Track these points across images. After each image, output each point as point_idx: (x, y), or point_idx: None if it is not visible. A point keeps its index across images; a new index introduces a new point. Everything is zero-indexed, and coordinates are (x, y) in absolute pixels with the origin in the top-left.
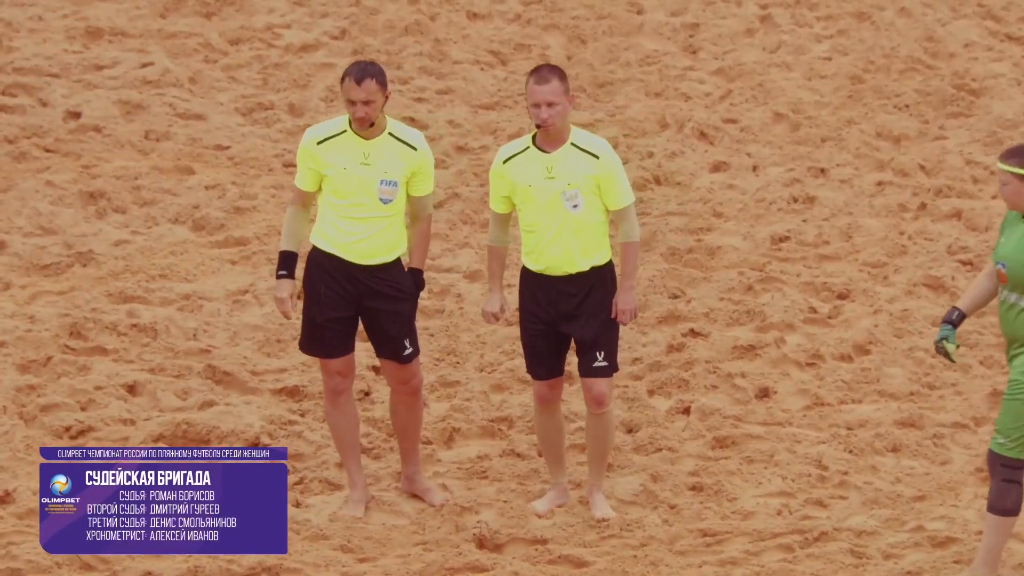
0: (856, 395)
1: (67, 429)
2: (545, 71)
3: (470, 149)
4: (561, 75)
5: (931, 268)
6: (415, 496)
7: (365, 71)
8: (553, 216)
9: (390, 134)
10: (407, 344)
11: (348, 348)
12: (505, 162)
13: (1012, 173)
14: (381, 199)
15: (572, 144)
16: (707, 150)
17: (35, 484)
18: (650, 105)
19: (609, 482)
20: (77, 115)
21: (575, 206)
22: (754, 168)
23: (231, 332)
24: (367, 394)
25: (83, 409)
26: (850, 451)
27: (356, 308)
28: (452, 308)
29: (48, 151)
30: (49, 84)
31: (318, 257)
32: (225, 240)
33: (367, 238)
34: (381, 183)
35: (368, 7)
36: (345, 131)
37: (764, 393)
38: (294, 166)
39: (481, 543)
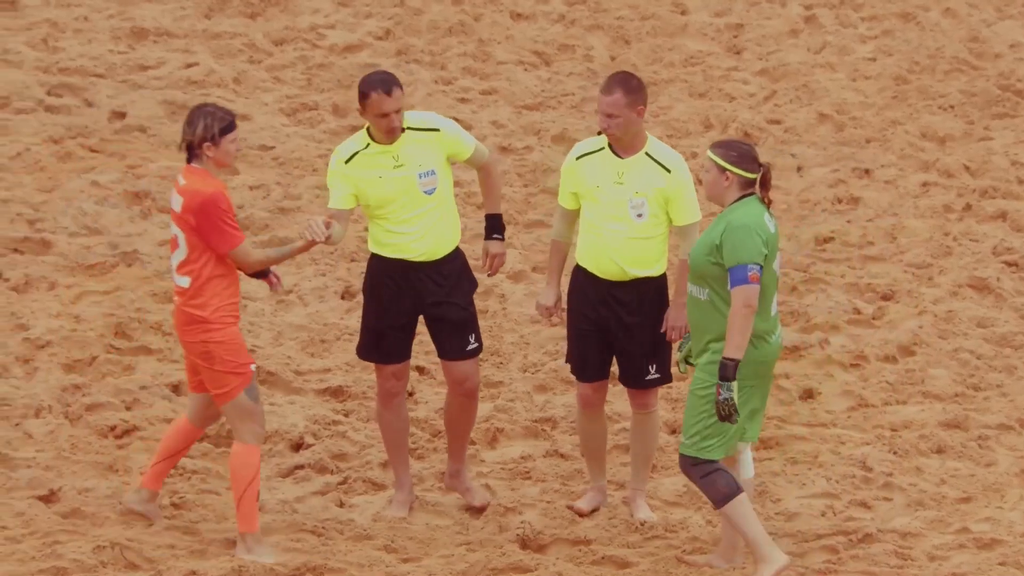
0: (900, 396)
1: (112, 429)
2: (614, 81)
3: (514, 150)
4: (628, 87)
5: (976, 269)
6: (457, 493)
7: (391, 81)
8: (616, 221)
9: (407, 128)
10: (471, 339)
11: (406, 354)
12: (578, 159)
13: (713, 162)
14: (425, 192)
15: (647, 154)
16: None
17: (80, 483)
18: (694, 106)
19: (653, 483)
20: (122, 115)
21: (640, 215)
22: (798, 169)
23: (275, 332)
24: (411, 394)
25: (128, 409)
26: (895, 452)
27: (417, 313)
28: (496, 308)
29: (93, 151)
30: (94, 84)
31: (380, 264)
32: (270, 240)
33: (423, 235)
34: (420, 176)
35: (412, 7)
36: (369, 144)
37: (808, 394)
38: None
39: (524, 543)
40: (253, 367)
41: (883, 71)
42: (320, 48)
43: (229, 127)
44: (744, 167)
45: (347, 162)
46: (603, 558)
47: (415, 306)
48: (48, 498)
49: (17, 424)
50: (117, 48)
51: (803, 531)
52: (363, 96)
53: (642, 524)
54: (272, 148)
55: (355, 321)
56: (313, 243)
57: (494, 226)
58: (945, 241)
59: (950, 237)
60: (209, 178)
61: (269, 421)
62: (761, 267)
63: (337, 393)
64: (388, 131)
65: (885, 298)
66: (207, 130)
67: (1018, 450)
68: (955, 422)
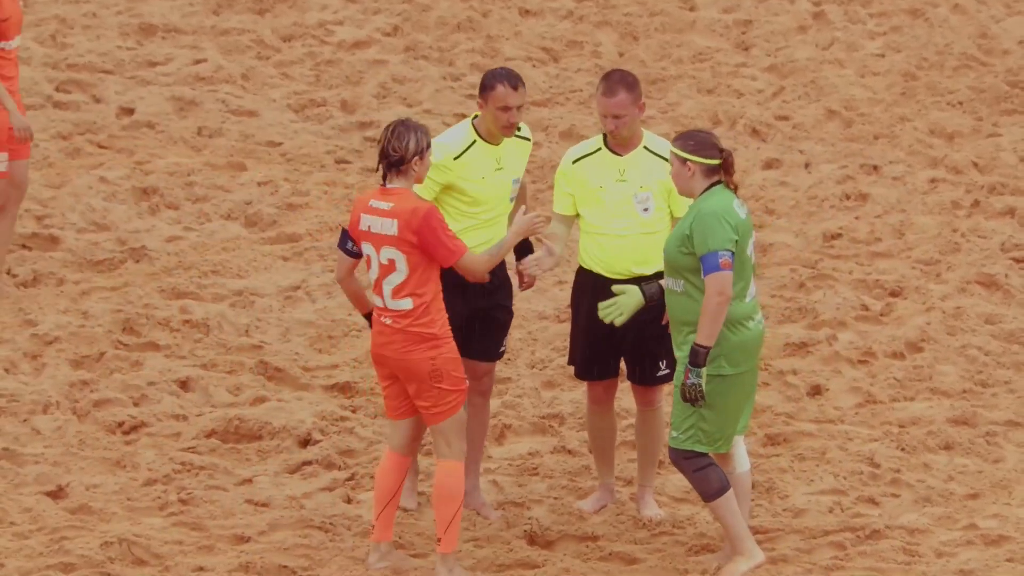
0: (908, 393)
1: (120, 424)
2: (614, 82)
3: None
4: (630, 85)
5: (984, 266)
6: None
7: (517, 76)
8: (622, 218)
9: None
10: (504, 343)
11: (490, 354)
12: (575, 162)
13: (674, 155)
14: (511, 198)
15: (645, 148)
16: (759, 147)
17: (88, 479)
18: (702, 102)
19: (660, 479)
20: (130, 111)
21: (646, 209)
22: (806, 165)
23: (283, 328)
24: None
25: (136, 405)
26: (902, 449)
27: (467, 314)
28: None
29: (101, 147)
30: (103, 80)
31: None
32: (277, 236)
33: (495, 239)
34: (514, 183)
35: (420, 4)
36: (476, 142)
37: (816, 390)
38: (346, 162)
39: (532, 539)
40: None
41: (892, 67)
42: (328, 44)
43: (429, 142)
44: (704, 154)
45: (456, 159)
46: (610, 554)
47: (465, 306)
48: (56, 494)
49: (25, 420)
50: (125, 44)
51: (810, 527)
52: (486, 87)
53: (649, 521)
54: (280, 144)
55: (362, 318)
56: (530, 232)
57: (529, 245)
58: (953, 237)
59: (958, 233)
60: (413, 195)
61: (276, 417)
62: (733, 253)
63: (345, 389)
64: (508, 127)
65: (893, 294)
66: (419, 144)
67: None
68: (963, 418)
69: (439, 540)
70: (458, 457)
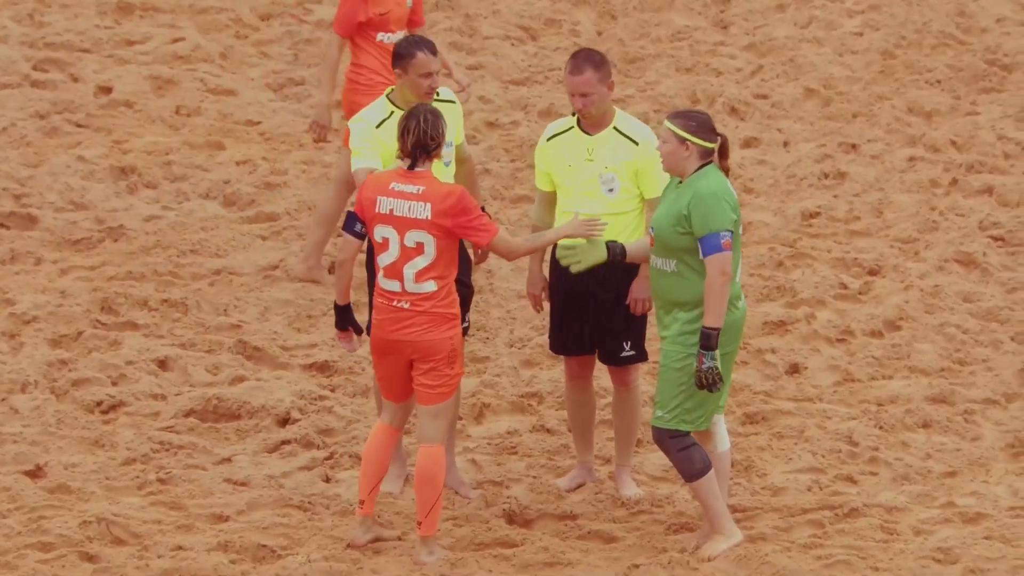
0: (887, 371)
1: (98, 404)
2: (580, 60)
3: (500, 125)
4: (596, 63)
5: (962, 244)
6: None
7: (431, 42)
8: (589, 198)
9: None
10: (466, 318)
11: None
12: (549, 140)
13: (672, 133)
14: (445, 163)
15: (614, 128)
16: (738, 126)
17: (66, 458)
18: (681, 81)
19: (638, 458)
20: (108, 90)
21: (611, 190)
22: (785, 144)
23: (262, 307)
24: None
25: (114, 384)
26: (880, 427)
27: None
28: (482, 284)
29: (79, 126)
30: (80, 59)
31: None
32: (256, 215)
33: None
34: (447, 146)
35: None
36: (393, 112)
37: (794, 369)
38: (325, 141)
39: (511, 518)
40: None
41: (870, 46)
42: (307, 23)
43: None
44: (703, 137)
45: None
46: (589, 533)
47: None
48: (34, 473)
49: (3, 399)
50: (103, 23)
51: (789, 505)
52: (408, 56)
53: (628, 500)
54: (258, 123)
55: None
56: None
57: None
58: (931, 216)
59: (936, 212)
60: (437, 179)
61: (255, 397)
62: (732, 233)
63: (323, 368)
64: (429, 92)
65: (871, 273)
66: (444, 130)
67: (1003, 424)
68: (941, 397)
69: (419, 524)
70: (441, 440)
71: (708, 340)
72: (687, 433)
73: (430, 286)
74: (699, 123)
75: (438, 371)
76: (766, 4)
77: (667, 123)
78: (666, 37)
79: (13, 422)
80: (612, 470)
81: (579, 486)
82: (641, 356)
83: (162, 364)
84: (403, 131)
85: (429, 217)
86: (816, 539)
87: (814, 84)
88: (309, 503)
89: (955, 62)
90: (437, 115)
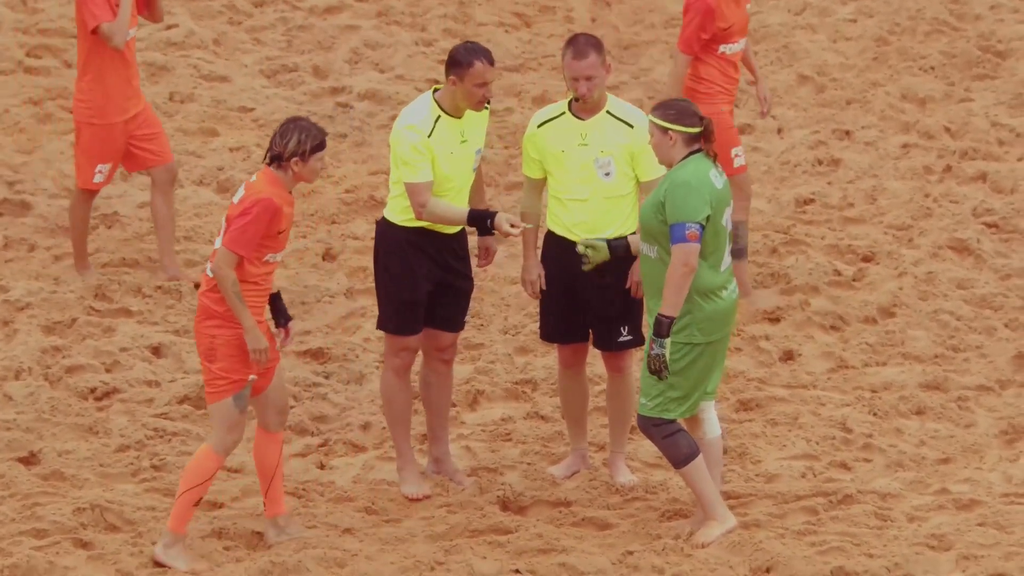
0: (880, 358)
1: (92, 391)
2: (582, 44)
3: (494, 111)
4: (597, 47)
5: (956, 231)
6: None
7: (489, 51)
8: (584, 183)
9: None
10: (464, 321)
11: (423, 323)
12: (539, 127)
13: (655, 125)
14: (473, 168)
15: (608, 112)
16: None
17: (60, 445)
18: None
19: (632, 444)
20: None
21: (607, 174)
22: (779, 131)
23: None
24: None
25: (108, 371)
26: (874, 414)
27: (437, 283)
28: (476, 271)
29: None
30: (74, 46)
31: (407, 234)
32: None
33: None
34: (477, 152)
35: None
36: (440, 116)
37: (788, 356)
38: None
39: (505, 505)
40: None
41: (864, 33)
42: (300, 10)
43: (320, 145)
44: (684, 123)
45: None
46: (583, 520)
47: (434, 277)
48: (28, 460)
49: None
50: None
51: (783, 492)
52: (466, 64)
53: (622, 487)
54: (252, 110)
55: (335, 284)
56: None
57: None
58: (925, 203)
59: (930, 199)
60: (279, 188)
61: None
62: (702, 226)
63: (318, 355)
64: (483, 101)
65: (865, 260)
66: (300, 146)
67: (997, 411)
68: (935, 383)
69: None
70: (214, 446)
71: (659, 327)
72: (671, 420)
73: (209, 271)
74: (679, 111)
75: (204, 366)
76: None
77: (649, 116)
78: (660, 23)
79: (7, 409)
80: (606, 457)
81: (574, 473)
82: (638, 340)
83: (156, 351)
84: (282, 134)
85: (235, 203)
86: (810, 526)
87: (808, 71)
88: (303, 490)
89: (949, 49)
90: (295, 128)
